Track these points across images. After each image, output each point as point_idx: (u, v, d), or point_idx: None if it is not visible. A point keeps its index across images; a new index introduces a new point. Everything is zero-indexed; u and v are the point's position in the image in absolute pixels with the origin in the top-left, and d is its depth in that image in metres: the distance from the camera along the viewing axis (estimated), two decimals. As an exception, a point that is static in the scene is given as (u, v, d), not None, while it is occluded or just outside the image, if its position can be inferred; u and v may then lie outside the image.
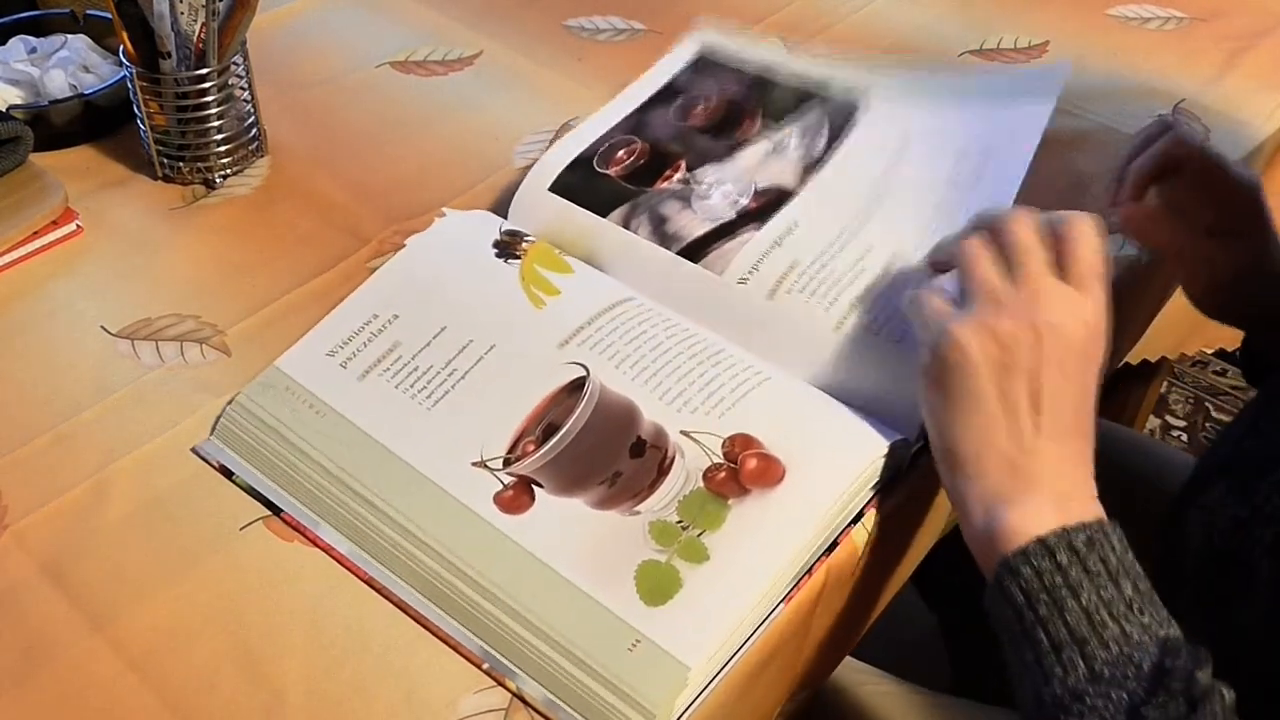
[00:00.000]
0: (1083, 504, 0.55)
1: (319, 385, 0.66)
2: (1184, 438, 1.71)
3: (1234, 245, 0.73)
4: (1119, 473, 0.61)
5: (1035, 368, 0.55)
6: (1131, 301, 0.86)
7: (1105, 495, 0.55)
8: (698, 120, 0.79)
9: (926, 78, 0.82)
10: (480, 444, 0.63)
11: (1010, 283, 0.57)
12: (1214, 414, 1.74)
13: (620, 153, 0.78)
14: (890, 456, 0.62)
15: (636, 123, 0.81)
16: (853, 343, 0.66)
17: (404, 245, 0.74)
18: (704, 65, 0.85)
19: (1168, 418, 1.73)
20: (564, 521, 0.60)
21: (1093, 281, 0.57)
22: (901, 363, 0.64)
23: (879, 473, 0.62)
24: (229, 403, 0.67)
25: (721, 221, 0.73)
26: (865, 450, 0.61)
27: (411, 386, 0.66)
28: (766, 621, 0.58)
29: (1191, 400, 1.76)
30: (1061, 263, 0.58)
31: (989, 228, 0.60)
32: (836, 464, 0.61)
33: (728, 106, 0.81)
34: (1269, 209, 0.73)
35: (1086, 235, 0.58)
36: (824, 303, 0.67)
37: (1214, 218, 0.73)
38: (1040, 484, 0.55)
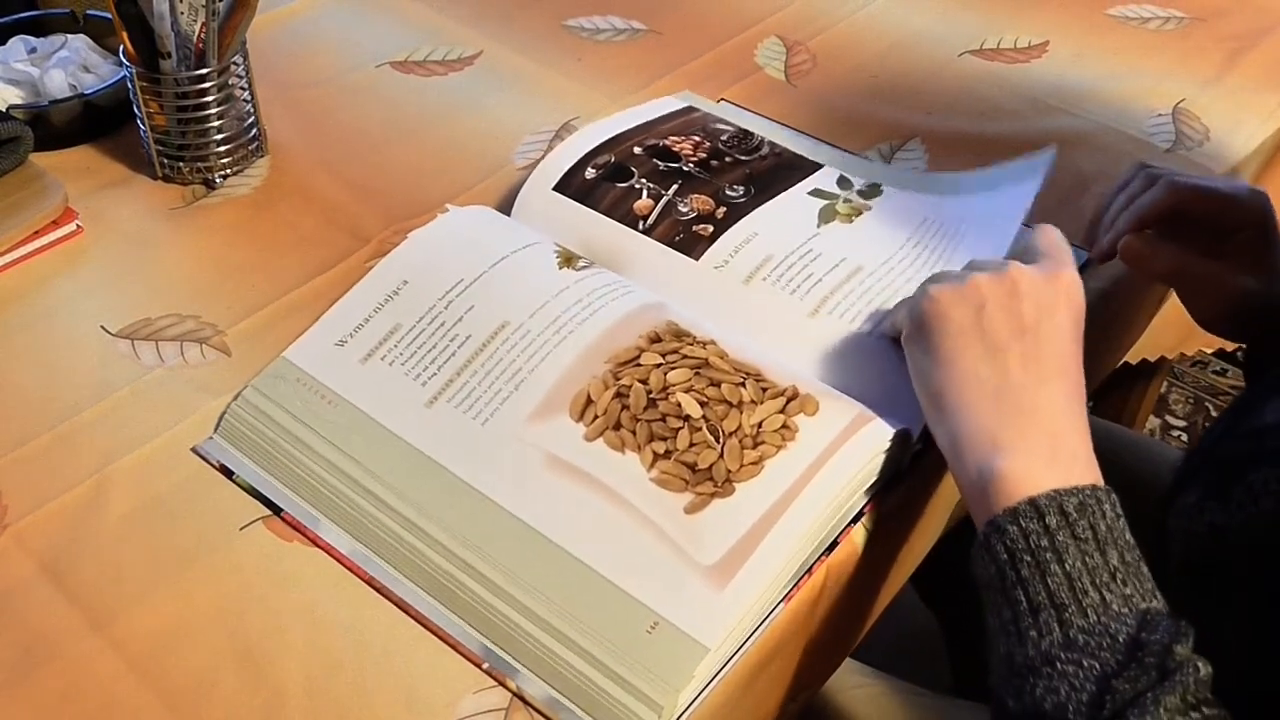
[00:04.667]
0: (1079, 461, 0.55)
1: (329, 375, 0.66)
2: (1184, 438, 1.71)
3: (1243, 264, 0.71)
4: (1118, 473, 0.61)
5: (1012, 306, 0.58)
6: (1130, 303, 0.86)
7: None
8: (688, 149, 0.80)
9: (923, 178, 0.82)
10: (495, 424, 0.63)
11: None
12: (1214, 414, 1.74)
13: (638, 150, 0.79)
14: (893, 448, 0.62)
15: (641, 131, 0.81)
16: (828, 329, 0.68)
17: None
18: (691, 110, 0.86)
19: (1168, 418, 1.73)
20: (580, 505, 0.60)
21: (1058, 254, 0.61)
22: (876, 353, 0.66)
23: (878, 470, 0.62)
24: (235, 398, 0.67)
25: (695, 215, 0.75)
26: (868, 439, 0.61)
27: (423, 373, 0.66)
28: (766, 621, 0.58)
29: (1191, 400, 1.76)
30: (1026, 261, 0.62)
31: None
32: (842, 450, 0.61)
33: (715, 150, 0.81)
34: (1276, 225, 0.71)
35: (1046, 231, 0.63)
36: (799, 292, 0.70)
37: (1219, 242, 0.72)
38: (1029, 422, 0.55)
